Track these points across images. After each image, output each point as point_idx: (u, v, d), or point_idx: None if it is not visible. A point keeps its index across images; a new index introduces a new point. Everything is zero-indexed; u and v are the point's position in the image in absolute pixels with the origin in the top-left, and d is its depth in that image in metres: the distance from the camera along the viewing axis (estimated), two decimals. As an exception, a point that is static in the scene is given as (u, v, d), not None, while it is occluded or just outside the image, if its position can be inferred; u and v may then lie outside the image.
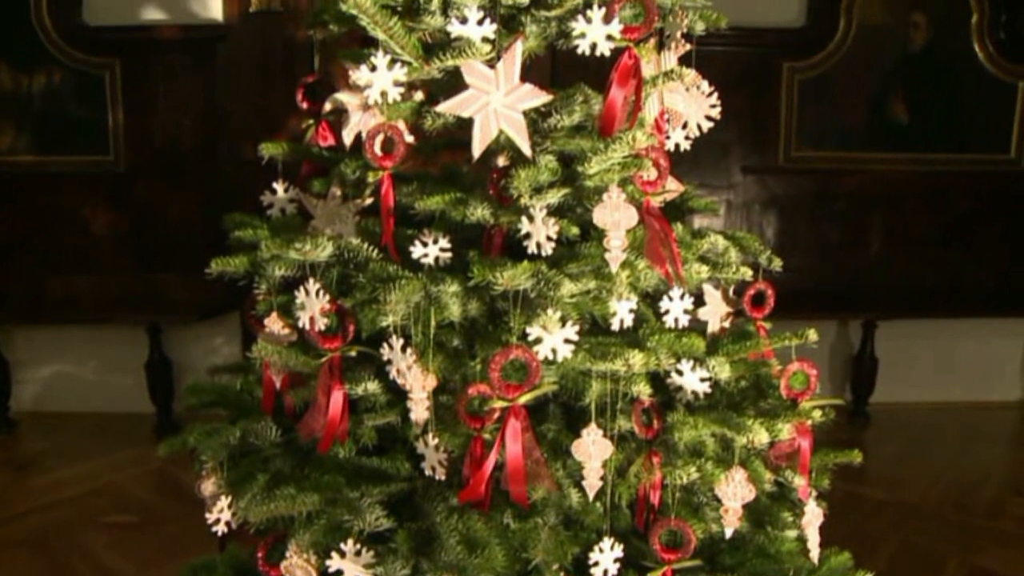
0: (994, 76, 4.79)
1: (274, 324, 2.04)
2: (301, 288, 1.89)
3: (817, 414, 2.04)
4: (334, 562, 1.83)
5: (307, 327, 1.90)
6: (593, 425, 1.83)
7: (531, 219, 1.77)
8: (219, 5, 4.45)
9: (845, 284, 4.88)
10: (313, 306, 1.87)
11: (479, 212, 1.83)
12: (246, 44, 4.41)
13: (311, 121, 2.13)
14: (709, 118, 2.08)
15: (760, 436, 1.89)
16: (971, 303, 4.86)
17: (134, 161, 4.58)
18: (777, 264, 2.20)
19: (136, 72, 4.50)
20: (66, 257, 4.68)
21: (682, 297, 2.00)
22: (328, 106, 2.02)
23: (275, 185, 2.17)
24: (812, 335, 2.09)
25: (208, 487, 2.12)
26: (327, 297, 1.87)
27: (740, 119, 4.53)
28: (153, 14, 4.49)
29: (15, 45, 4.52)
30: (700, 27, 2.05)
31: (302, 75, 4.14)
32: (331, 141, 2.09)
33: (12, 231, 4.64)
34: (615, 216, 1.76)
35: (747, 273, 2.14)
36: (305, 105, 2.14)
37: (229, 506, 2.07)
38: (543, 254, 1.77)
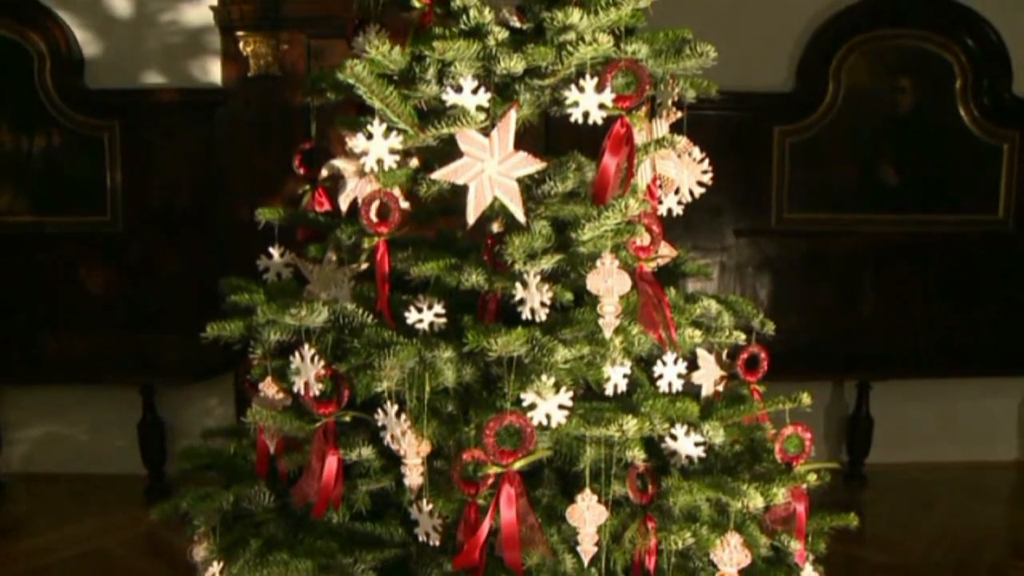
0: (979, 138, 4.86)
1: (269, 389, 2.04)
2: (296, 353, 1.90)
3: (812, 477, 2.04)
4: (327, 630, 1.81)
5: (302, 392, 1.90)
6: (588, 490, 1.83)
7: (525, 285, 1.79)
8: (218, 69, 4.52)
9: (839, 345, 4.89)
10: (308, 371, 1.88)
11: (473, 278, 1.85)
12: (244, 107, 4.47)
13: (307, 187, 2.15)
14: (701, 184, 2.11)
15: (755, 500, 1.88)
16: (965, 363, 4.87)
17: (131, 221, 4.61)
18: (770, 328, 2.21)
19: (135, 134, 4.55)
20: (60, 317, 4.69)
21: (676, 361, 2.01)
22: (324, 172, 2.05)
23: (271, 250, 2.19)
24: (805, 399, 2.10)
25: (200, 552, 2.10)
26: (322, 362, 1.88)
27: (732, 182, 4.58)
28: (153, 77, 4.55)
29: (17, 107, 4.57)
30: (691, 94, 2.09)
31: (299, 139, 4.19)
32: (327, 207, 2.11)
33: (7, 290, 4.65)
34: (608, 282, 1.77)
35: (740, 337, 2.15)
36: (302, 171, 2.16)
37: (221, 572, 2.05)
38: (537, 320, 1.78)
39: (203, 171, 4.56)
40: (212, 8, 4.38)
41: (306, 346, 1.88)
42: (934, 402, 5.06)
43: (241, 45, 4.37)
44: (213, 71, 4.53)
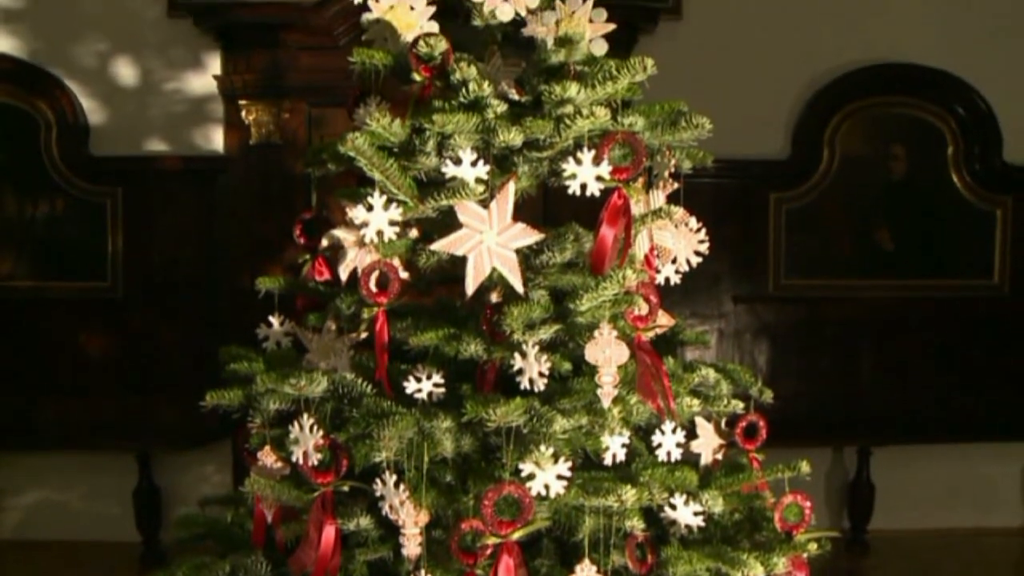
0: (973, 204, 4.91)
1: (267, 457, 2.03)
2: (295, 422, 1.90)
3: (813, 547, 2.03)
4: None
5: (300, 461, 1.90)
6: (587, 560, 1.82)
7: (523, 355, 1.80)
8: (220, 137, 4.58)
9: (838, 411, 4.88)
10: (307, 441, 1.87)
11: (472, 348, 1.86)
12: (245, 175, 4.52)
13: (308, 256, 2.17)
14: (698, 253, 2.13)
15: (755, 570, 1.88)
16: (965, 428, 4.85)
17: (131, 287, 4.63)
18: (768, 396, 2.22)
19: (137, 200, 4.59)
20: (58, 382, 4.68)
21: (674, 431, 2.01)
22: (325, 242, 2.07)
23: (271, 318, 2.20)
24: (804, 467, 2.10)
25: (195, 624, 2.08)
26: (321, 432, 1.88)
27: (730, 249, 4.62)
28: (157, 145, 4.61)
29: (23, 174, 4.62)
30: (687, 165, 2.12)
31: (299, 206, 4.26)
32: (327, 276, 2.12)
33: (4, 355, 4.65)
34: (607, 352, 1.78)
35: (739, 405, 2.16)
36: (302, 240, 2.18)
37: (216, 645, 2.03)
38: (536, 390, 1.79)
39: (203, 238, 4.59)
40: (216, 77, 4.46)
41: (305, 415, 1.89)
42: (936, 468, 5.04)
43: (243, 114, 4.44)
44: (215, 139, 4.60)
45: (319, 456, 1.88)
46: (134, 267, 4.64)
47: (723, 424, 2.19)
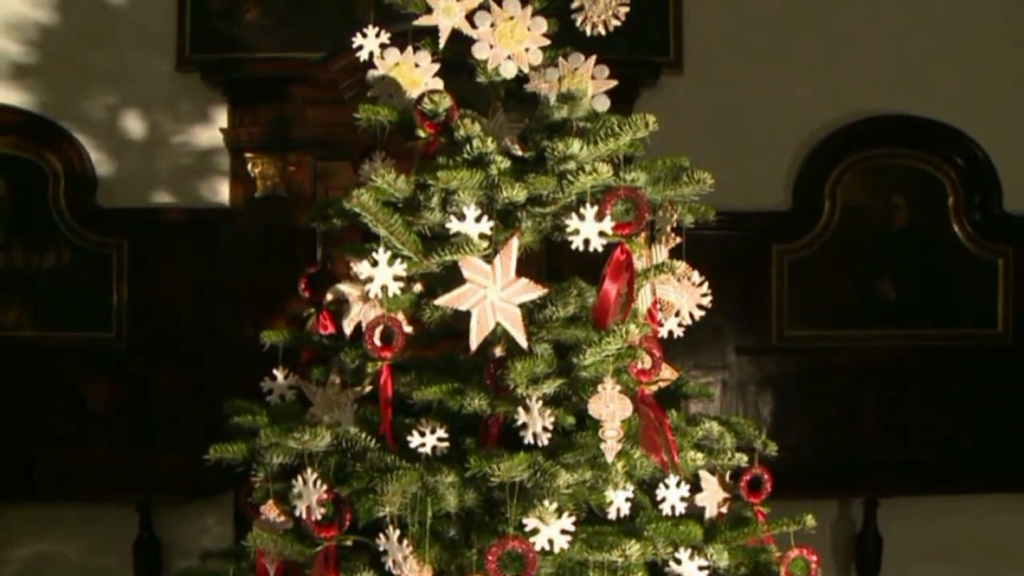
0: (974, 254, 4.93)
1: (270, 511, 2.03)
2: (298, 476, 1.90)
3: (819, 603, 2.01)
4: None
5: (303, 515, 1.90)
6: (591, 617, 1.80)
7: (527, 409, 1.80)
8: (226, 189, 4.61)
9: (843, 462, 4.85)
10: (310, 495, 1.87)
11: (476, 402, 1.87)
12: (250, 226, 4.54)
13: (312, 310, 2.19)
14: (701, 307, 2.15)
15: (762, 627, 1.86)
16: (974, 479, 4.81)
17: (135, 338, 4.63)
18: (772, 449, 2.22)
19: (142, 251, 4.61)
20: (59, 432, 4.66)
21: (678, 484, 2.01)
22: (329, 296, 2.08)
23: (275, 372, 2.21)
24: (810, 521, 2.09)
25: None
26: (324, 486, 1.87)
27: (732, 300, 4.61)
28: (163, 197, 4.64)
29: (30, 224, 4.65)
30: (689, 220, 2.14)
31: (303, 258, 4.28)
32: (331, 330, 2.14)
33: (6, 405, 4.64)
34: (610, 407, 1.79)
35: (743, 458, 2.16)
36: (307, 294, 2.20)
37: None
38: (539, 444, 1.79)
39: (207, 289, 4.61)
40: (222, 130, 4.51)
41: (308, 469, 1.88)
42: (944, 520, 4.99)
43: (249, 166, 4.47)
44: (221, 191, 4.63)
45: (322, 510, 1.88)
46: (138, 317, 4.64)
47: (727, 477, 2.18)
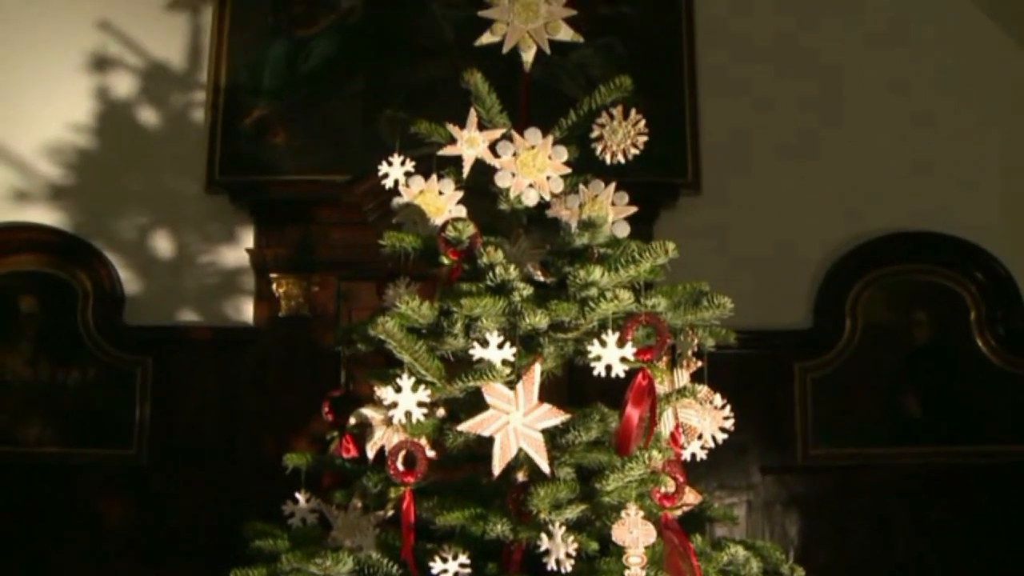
0: (1000, 368, 4.88)
1: (289, 639, 2.00)
2: (319, 604, 1.88)
3: None
4: None
5: (323, 645, 1.87)
6: None
7: (550, 536, 1.79)
8: (251, 308, 4.66)
9: (874, 585, 4.72)
10: (331, 623, 1.85)
11: (499, 528, 1.85)
12: (273, 346, 4.57)
13: (335, 433, 2.19)
14: (723, 429, 2.14)
15: None
16: (1009, 602, 4.68)
17: (156, 455, 4.62)
18: (800, 574, 2.18)
19: (166, 369, 4.63)
20: (77, 549, 4.61)
21: (705, 613, 1.96)
22: (353, 420, 2.09)
23: (297, 495, 2.20)
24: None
25: None
26: (345, 614, 1.85)
27: (756, 419, 4.57)
28: (188, 315, 4.70)
29: (58, 341, 4.70)
30: (710, 343, 2.16)
31: (326, 378, 4.29)
32: (354, 453, 2.14)
33: (24, 521, 4.61)
34: (634, 533, 1.77)
35: (770, 585, 2.12)
36: (330, 417, 2.21)
37: None
38: (562, 571, 1.77)
39: (229, 408, 4.61)
40: (248, 251, 4.59)
41: (329, 597, 1.86)
42: (981, 645, 4.82)
43: (274, 286, 4.53)
44: (246, 310, 4.67)
45: (343, 640, 1.85)
46: (159, 435, 4.64)
47: (755, 606, 2.13)
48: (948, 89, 4.88)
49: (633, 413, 1.82)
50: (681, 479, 1.93)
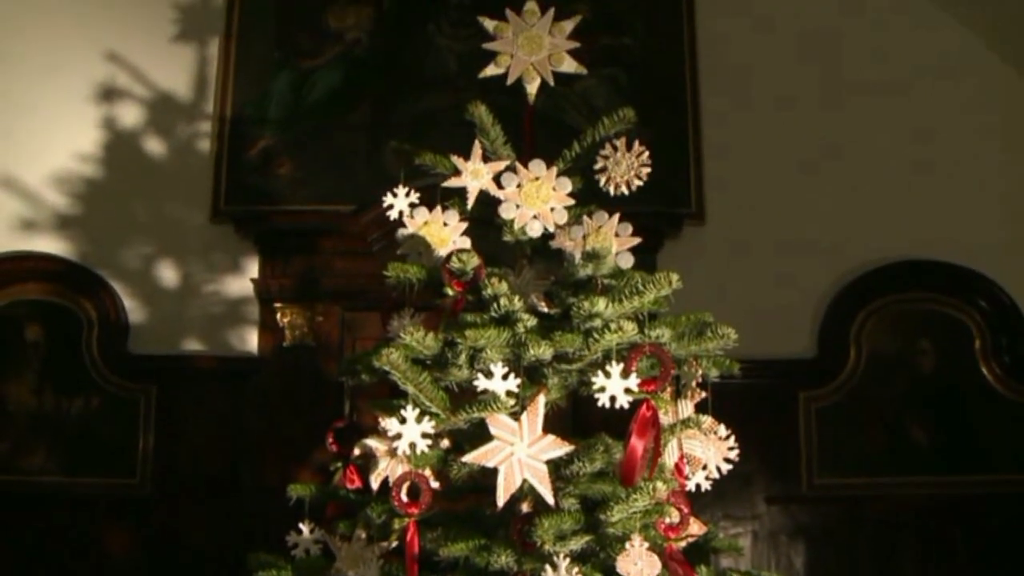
0: (1006, 396, 4.87)
1: (292, 673, 1.99)
2: (322, 638, 1.87)
3: None
4: None
5: None
6: None
7: (554, 567, 1.78)
8: (255, 338, 4.67)
9: (881, 616, 4.68)
10: (334, 657, 1.84)
11: (503, 559, 1.85)
12: (277, 375, 4.57)
13: (339, 464, 2.19)
14: (728, 460, 2.14)
15: None
16: (1018, 633, 4.63)
17: (158, 485, 4.60)
18: (806, 607, 2.16)
19: (169, 398, 4.62)
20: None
21: (710, 646, 1.95)
22: (357, 450, 2.09)
23: (301, 525, 2.20)
24: None
25: None
26: (348, 648, 1.84)
27: (760, 449, 4.54)
28: (193, 344, 4.70)
29: (62, 370, 4.70)
30: (714, 374, 2.16)
31: (330, 408, 4.28)
32: (358, 484, 2.14)
33: (25, 551, 4.59)
34: (638, 564, 1.77)
35: (775, 617, 2.10)
36: (334, 448, 2.21)
37: None
38: (567, 603, 1.76)
39: (233, 437, 4.60)
40: (253, 281, 4.60)
41: (332, 630, 1.86)
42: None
43: (278, 316, 4.54)
44: (250, 340, 4.67)
45: (346, 673, 1.84)
46: (162, 464, 4.63)
47: (761, 638, 2.12)
48: (949, 118, 4.91)
49: (637, 444, 1.82)
50: (686, 510, 1.92)
